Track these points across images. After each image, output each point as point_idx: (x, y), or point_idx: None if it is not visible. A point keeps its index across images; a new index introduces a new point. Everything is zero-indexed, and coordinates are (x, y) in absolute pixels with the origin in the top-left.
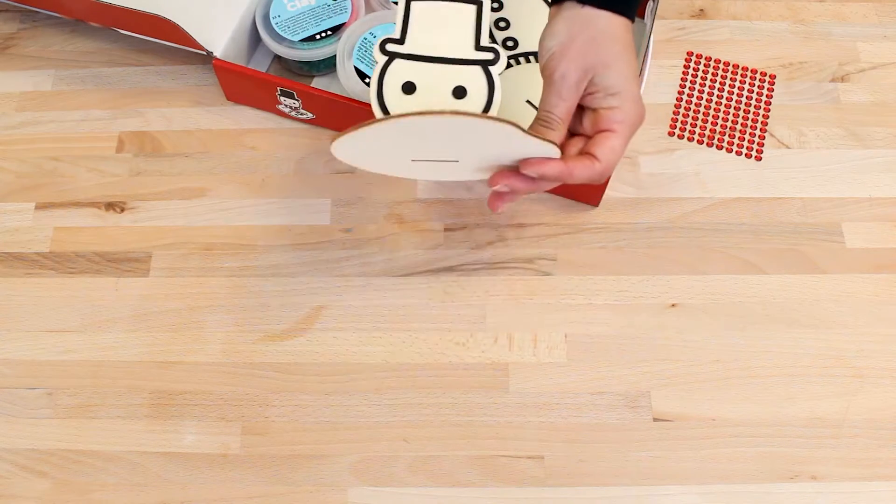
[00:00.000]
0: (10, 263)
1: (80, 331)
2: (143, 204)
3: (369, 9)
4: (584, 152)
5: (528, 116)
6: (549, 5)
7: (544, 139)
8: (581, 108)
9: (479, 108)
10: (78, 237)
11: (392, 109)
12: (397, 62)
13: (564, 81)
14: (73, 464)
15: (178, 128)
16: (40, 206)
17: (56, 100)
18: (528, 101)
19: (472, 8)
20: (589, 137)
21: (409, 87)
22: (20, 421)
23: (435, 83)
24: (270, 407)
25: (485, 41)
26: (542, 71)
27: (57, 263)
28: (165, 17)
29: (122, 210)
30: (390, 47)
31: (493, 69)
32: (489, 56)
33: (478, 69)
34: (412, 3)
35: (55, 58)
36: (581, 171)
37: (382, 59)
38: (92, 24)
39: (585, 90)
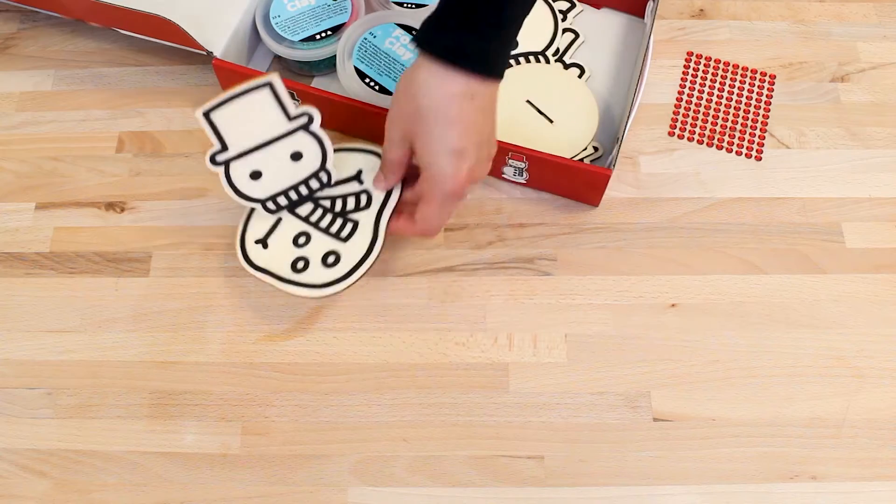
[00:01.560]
0: (10, 263)
1: (80, 331)
2: (143, 204)
3: (369, 9)
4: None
5: (529, 115)
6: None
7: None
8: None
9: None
10: (78, 237)
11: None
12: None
13: (394, 144)
14: (73, 464)
15: (178, 128)
16: (40, 206)
17: (56, 100)
18: (528, 101)
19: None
20: None
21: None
22: (20, 421)
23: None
24: (270, 407)
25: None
26: (385, 129)
27: (57, 263)
28: (165, 17)
29: (122, 210)
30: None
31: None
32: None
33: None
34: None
35: (55, 58)
36: (406, 229)
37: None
38: (92, 24)
39: (411, 150)
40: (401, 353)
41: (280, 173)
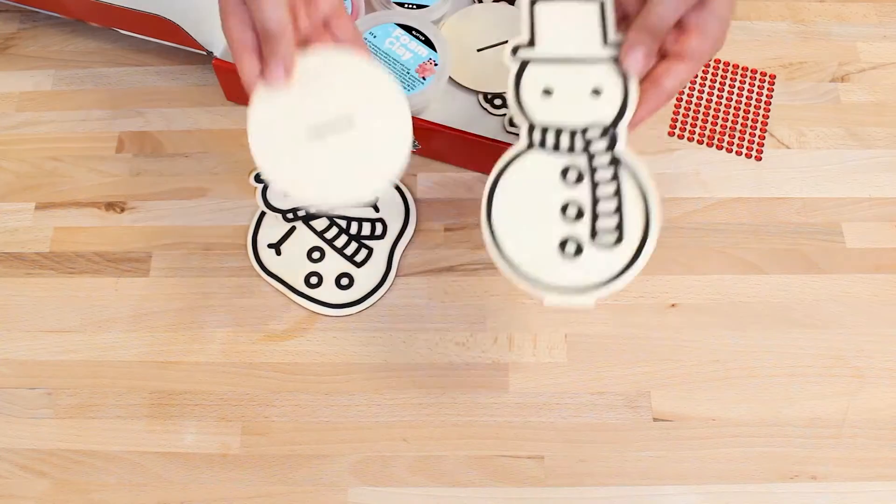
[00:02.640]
0: (10, 263)
1: (80, 331)
2: (143, 204)
3: (369, 9)
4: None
5: None
6: None
7: None
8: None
9: (615, 108)
10: (78, 237)
11: (532, 114)
12: (531, 67)
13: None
14: (73, 464)
15: (178, 128)
16: (40, 206)
17: (56, 100)
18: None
19: (596, 5)
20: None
21: (546, 92)
22: (20, 421)
23: (570, 85)
24: (270, 407)
25: (611, 37)
26: None
27: (57, 263)
28: (165, 17)
29: (122, 210)
30: (522, 53)
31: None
32: (615, 51)
33: (609, 66)
34: (536, 6)
35: (55, 58)
36: (657, 101)
37: (515, 65)
38: (92, 24)
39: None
40: (401, 353)
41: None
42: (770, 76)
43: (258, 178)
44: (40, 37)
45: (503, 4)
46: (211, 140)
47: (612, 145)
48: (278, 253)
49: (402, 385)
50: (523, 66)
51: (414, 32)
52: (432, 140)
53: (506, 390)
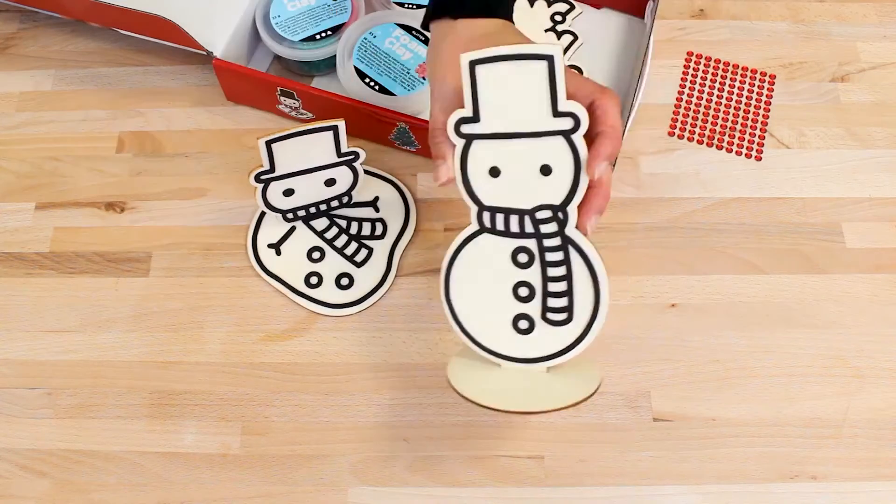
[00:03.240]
0: (10, 263)
1: (80, 331)
2: (143, 204)
3: (369, 9)
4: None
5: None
6: (425, 28)
7: None
8: None
9: (565, 187)
10: (78, 237)
11: (481, 198)
12: (476, 144)
13: (444, 87)
14: (73, 464)
15: (178, 128)
16: (40, 206)
17: (56, 100)
18: None
19: (543, 64)
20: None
21: (494, 172)
22: (20, 421)
23: (519, 164)
24: (270, 407)
25: (562, 104)
26: (430, 81)
27: (57, 263)
28: (165, 17)
29: (122, 210)
30: (465, 129)
31: (576, 137)
32: (569, 124)
33: (560, 140)
34: (477, 68)
35: (55, 58)
36: (597, 208)
37: (460, 142)
38: (92, 24)
39: None
40: (401, 353)
41: (310, 193)
42: (770, 76)
43: (258, 178)
44: (40, 37)
45: None
46: (211, 140)
47: (562, 227)
48: (278, 253)
49: (402, 385)
50: (468, 143)
51: (414, 32)
52: None
53: None
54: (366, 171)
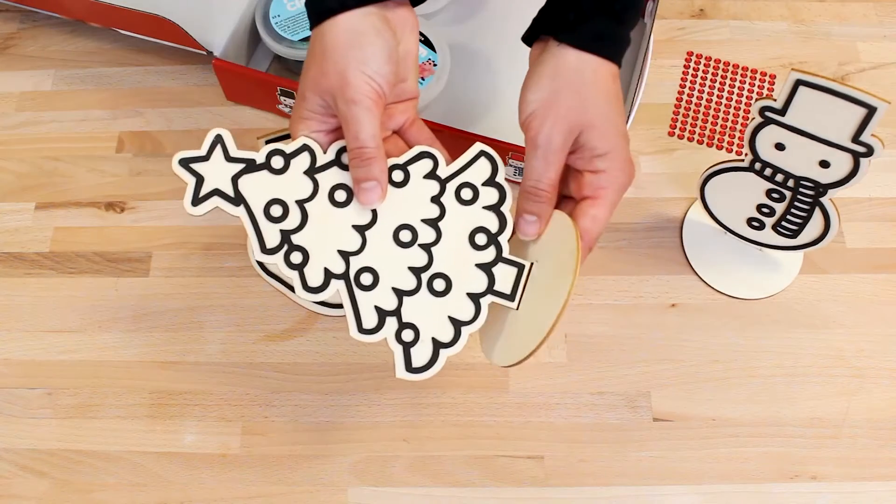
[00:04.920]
0: (10, 263)
1: (80, 331)
2: (143, 204)
3: None
4: None
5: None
6: (526, 43)
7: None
8: (566, 167)
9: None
10: (78, 237)
11: (763, 155)
12: (772, 127)
13: (550, 145)
14: (73, 464)
15: (178, 128)
16: (40, 206)
17: (56, 100)
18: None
19: (861, 111)
20: (575, 200)
21: (780, 146)
22: (20, 421)
23: (801, 150)
24: (270, 407)
25: (866, 138)
26: (524, 128)
27: (57, 263)
28: (165, 17)
29: (122, 210)
30: (769, 113)
31: (864, 160)
32: (861, 149)
33: (845, 155)
34: (800, 87)
35: (55, 58)
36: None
37: (758, 119)
38: (92, 24)
39: (570, 149)
40: None
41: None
42: (770, 76)
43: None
44: (40, 37)
45: None
46: None
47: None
48: None
49: (402, 385)
50: (766, 123)
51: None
52: None
53: (506, 390)
54: None
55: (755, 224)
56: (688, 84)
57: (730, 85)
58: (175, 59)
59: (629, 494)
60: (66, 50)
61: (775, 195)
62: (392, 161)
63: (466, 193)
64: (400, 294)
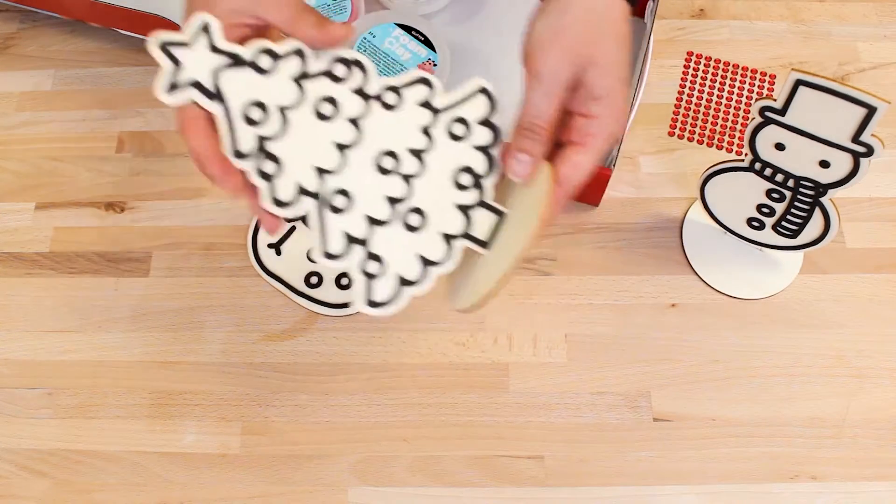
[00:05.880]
0: (10, 263)
1: (80, 331)
2: (143, 204)
3: (369, 8)
4: None
5: None
6: None
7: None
8: None
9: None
10: (78, 237)
11: (763, 155)
12: (772, 127)
13: (554, 79)
14: (73, 464)
15: None
16: (40, 206)
17: (56, 100)
18: None
19: (861, 111)
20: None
21: (780, 146)
22: (20, 421)
23: (801, 150)
24: (270, 407)
25: (866, 138)
26: (526, 59)
27: (57, 263)
28: (165, 17)
29: (122, 210)
30: (769, 113)
31: (864, 160)
32: (861, 149)
33: (845, 155)
34: (800, 87)
35: (55, 58)
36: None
37: (758, 119)
38: (92, 24)
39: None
40: (401, 353)
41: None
42: (770, 76)
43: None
44: (40, 37)
45: None
46: None
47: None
48: (278, 253)
49: (402, 385)
50: (766, 123)
51: (413, 33)
52: None
53: (506, 390)
54: None
55: (755, 224)
56: (688, 84)
57: (730, 85)
58: None
59: (629, 494)
60: (66, 50)
61: (775, 195)
62: (388, 82)
63: (458, 129)
64: (372, 223)
